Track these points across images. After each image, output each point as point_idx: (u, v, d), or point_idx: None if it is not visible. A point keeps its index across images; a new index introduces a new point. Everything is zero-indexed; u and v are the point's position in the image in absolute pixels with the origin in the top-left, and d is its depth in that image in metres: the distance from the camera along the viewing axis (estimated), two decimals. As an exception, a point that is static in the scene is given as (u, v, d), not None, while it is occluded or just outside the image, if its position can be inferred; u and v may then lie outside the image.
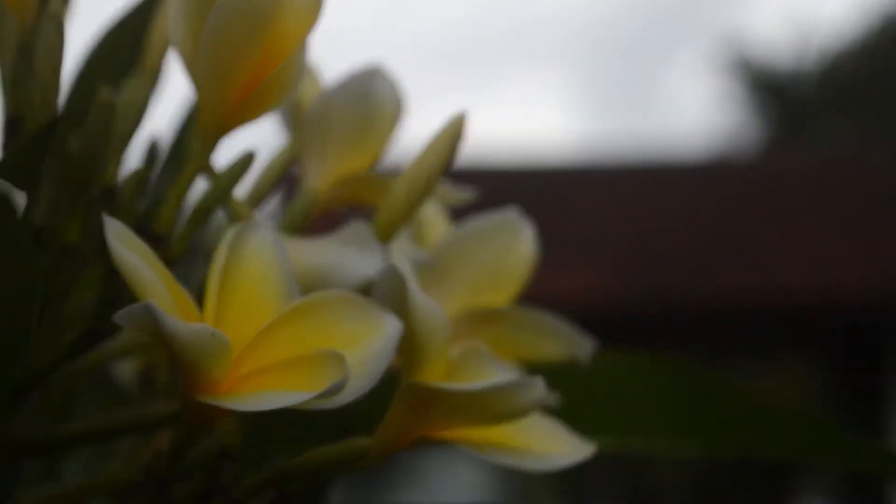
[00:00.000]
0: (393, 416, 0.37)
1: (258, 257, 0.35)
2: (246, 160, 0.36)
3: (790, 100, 10.42)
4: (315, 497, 0.43)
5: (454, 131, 0.38)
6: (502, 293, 0.43)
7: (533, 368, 0.45)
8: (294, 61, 0.37)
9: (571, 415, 0.49)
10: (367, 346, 0.33)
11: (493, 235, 0.43)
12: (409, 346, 0.36)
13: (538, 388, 0.35)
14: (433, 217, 0.45)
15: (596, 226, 5.57)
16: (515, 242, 0.43)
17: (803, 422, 0.47)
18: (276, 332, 0.34)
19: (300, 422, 0.46)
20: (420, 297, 0.36)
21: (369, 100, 0.43)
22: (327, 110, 0.43)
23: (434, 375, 0.36)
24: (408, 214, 0.39)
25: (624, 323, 5.76)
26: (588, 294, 5.22)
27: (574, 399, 0.49)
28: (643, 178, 5.90)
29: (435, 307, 0.36)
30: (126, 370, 0.47)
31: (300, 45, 0.37)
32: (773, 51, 10.59)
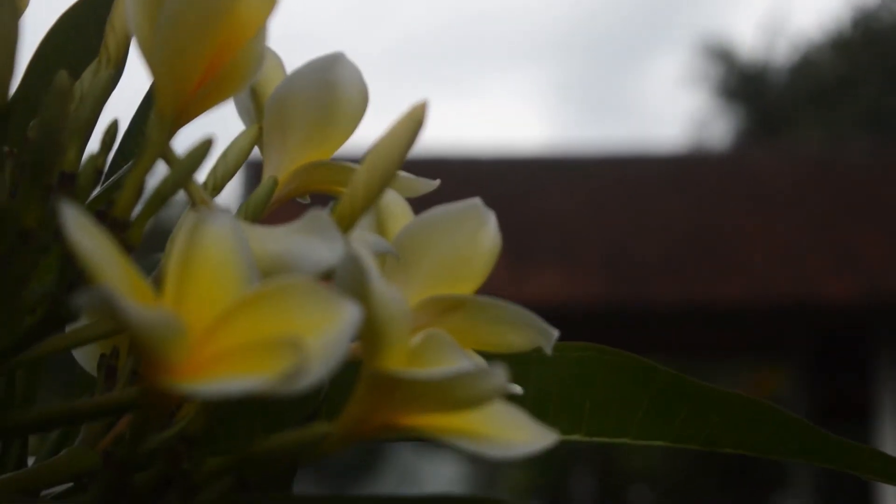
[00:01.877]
0: (354, 403, 0.37)
1: (217, 243, 0.35)
2: (204, 146, 0.36)
3: (763, 97, 10.43)
4: (279, 484, 0.42)
5: (414, 119, 0.38)
6: (465, 283, 0.43)
7: (498, 359, 0.45)
8: (253, 48, 0.37)
9: (537, 406, 0.49)
10: (325, 332, 0.33)
11: (457, 224, 0.43)
12: (370, 334, 0.36)
13: (499, 376, 0.35)
14: (395, 206, 0.45)
15: (570, 227, 5.57)
16: (479, 232, 0.43)
17: (771, 417, 0.47)
18: (234, 317, 0.33)
19: (265, 408, 0.45)
20: (380, 285, 0.35)
21: (332, 88, 0.43)
22: (289, 98, 0.43)
23: (395, 362, 0.36)
24: (368, 202, 0.38)
25: (596, 324, 5.76)
26: (560, 295, 5.22)
27: (539, 390, 0.49)
28: (617, 177, 5.90)
29: (395, 294, 0.36)
30: (88, 355, 0.47)
31: (259, 32, 0.37)
32: (746, 49, 10.60)
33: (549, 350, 0.43)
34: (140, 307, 0.30)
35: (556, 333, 0.42)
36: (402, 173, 0.45)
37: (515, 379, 0.42)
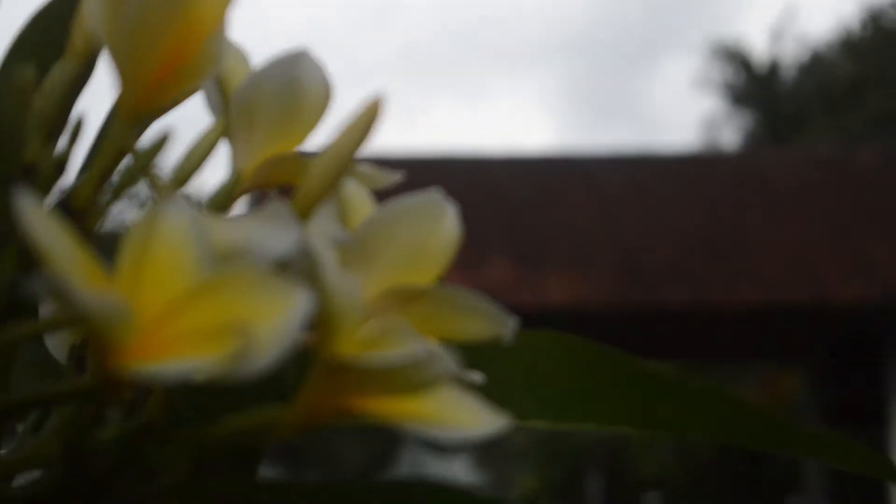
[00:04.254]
0: (307, 389, 0.38)
1: (173, 230, 0.36)
2: (162, 139, 0.37)
3: (774, 99, 10.40)
4: (243, 470, 0.43)
5: (369, 114, 0.39)
6: (425, 273, 0.44)
7: (459, 349, 0.45)
8: (214, 42, 0.38)
9: (503, 394, 0.50)
10: (276, 318, 0.34)
11: (416, 216, 0.44)
12: (322, 321, 0.37)
13: (448, 361, 0.36)
14: (357, 198, 0.46)
15: (581, 230, 5.57)
16: (438, 223, 0.44)
17: (731, 404, 0.48)
18: (186, 304, 0.34)
19: (228, 400, 0.46)
20: (332, 272, 0.36)
21: (296, 84, 0.44)
22: (253, 94, 0.44)
23: (347, 349, 0.37)
24: (322, 193, 0.39)
25: (608, 327, 5.76)
26: (571, 298, 5.22)
27: (505, 378, 0.50)
28: (628, 181, 5.90)
29: (348, 281, 0.37)
30: (60, 345, 0.48)
31: (220, 25, 0.38)
32: (757, 51, 10.57)
33: (508, 338, 0.44)
34: (88, 290, 0.31)
35: (513, 322, 0.43)
36: (367, 166, 0.46)
37: (482, 367, 0.43)
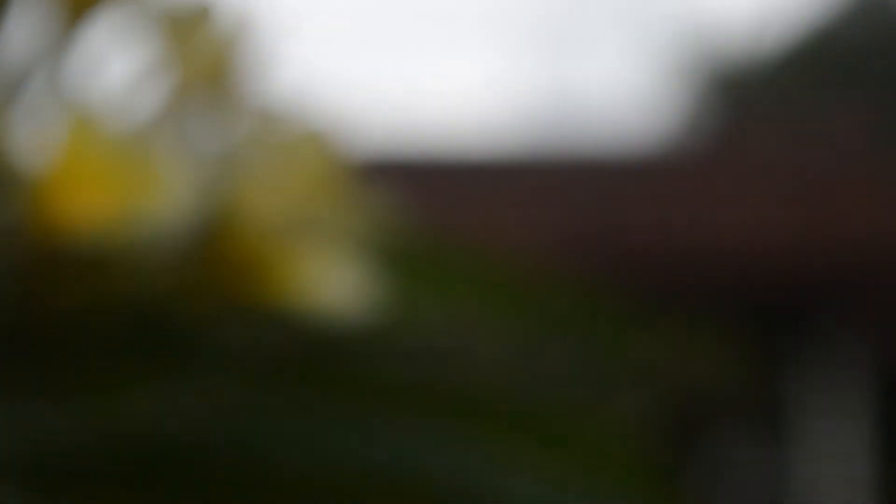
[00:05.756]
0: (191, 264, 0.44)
1: (96, 119, 0.42)
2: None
3: (745, 88, 10.31)
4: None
5: (240, 28, 0.46)
6: (315, 193, 0.49)
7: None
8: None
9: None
10: (174, 194, 0.40)
11: (306, 139, 0.49)
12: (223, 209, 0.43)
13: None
14: (257, 123, 0.52)
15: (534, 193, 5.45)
16: (328, 148, 0.49)
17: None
18: (100, 182, 0.41)
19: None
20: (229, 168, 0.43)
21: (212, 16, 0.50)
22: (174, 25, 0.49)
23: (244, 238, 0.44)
24: (204, 100, 0.46)
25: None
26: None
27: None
28: (590, 167, 5.83)
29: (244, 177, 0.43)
30: None
31: None
32: (729, 38, 10.49)
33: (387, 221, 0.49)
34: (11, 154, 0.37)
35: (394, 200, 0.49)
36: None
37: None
